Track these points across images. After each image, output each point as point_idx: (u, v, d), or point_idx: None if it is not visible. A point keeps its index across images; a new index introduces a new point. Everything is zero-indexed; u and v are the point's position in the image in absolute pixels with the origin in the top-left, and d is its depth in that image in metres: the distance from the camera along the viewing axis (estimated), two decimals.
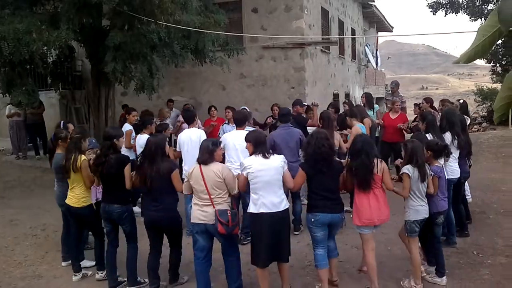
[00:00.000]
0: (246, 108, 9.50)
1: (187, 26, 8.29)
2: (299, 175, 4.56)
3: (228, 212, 4.38)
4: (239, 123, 6.27)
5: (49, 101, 13.69)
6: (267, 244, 4.33)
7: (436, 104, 8.96)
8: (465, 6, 21.38)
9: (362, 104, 9.55)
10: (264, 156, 4.39)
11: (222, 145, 5.90)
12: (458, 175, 5.74)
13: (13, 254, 6.14)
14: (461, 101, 8.11)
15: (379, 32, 25.77)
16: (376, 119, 9.21)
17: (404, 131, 8.68)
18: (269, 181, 4.34)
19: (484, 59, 22.07)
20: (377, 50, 24.33)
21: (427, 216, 4.70)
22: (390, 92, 10.97)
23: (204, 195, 4.41)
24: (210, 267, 4.65)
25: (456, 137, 5.70)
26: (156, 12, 7.55)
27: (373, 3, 20.71)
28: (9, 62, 8.11)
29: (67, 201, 5.15)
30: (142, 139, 6.97)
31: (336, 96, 15.78)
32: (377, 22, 24.07)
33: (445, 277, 4.90)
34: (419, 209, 4.65)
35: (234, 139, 6.05)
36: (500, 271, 5.15)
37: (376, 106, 10.27)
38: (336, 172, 4.54)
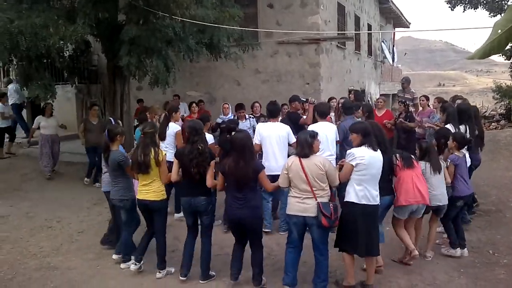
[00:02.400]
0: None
1: (202, 20, 8.28)
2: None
3: (330, 205, 4.44)
4: (273, 115, 6.39)
5: (65, 95, 13.83)
6: (363, 234, 4.45)
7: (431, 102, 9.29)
8: (484, 2, 21.02)
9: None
10: (374, 149, 4.49)
11: (259, 138, 6.15)
12: (469, 163, 5.93)
13: (28, 245, 6.22)
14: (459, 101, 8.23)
15: (395, 28, 25.49)
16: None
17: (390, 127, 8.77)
18: (375, 174, 4.48)
19: (503, 56, 21.67)
20: (393, 46, 24.09)
21: (440, 203, 5.25)
22: (401, 88, 10.81)
23: (305, 187, 4.41)
24: (299, 258, 4.72)
25: (469, 129, 6.21)
26: (172, 7, 7.55)
27: None
28: (27, 56, 8.20)
29: (142, 196, 5.07)
30: (171, 128, 7.05)
31: (351, 92, 15.65)
32: (394, 18, 23.80)
33: (458, 249, 5.47)
34: (430, 198, 5.12)
35: (271, 130, 6.17)
36: None
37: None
38: (388, 158, 4.85)
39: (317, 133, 4.72)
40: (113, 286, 5.03)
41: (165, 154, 5.09)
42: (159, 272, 5.13)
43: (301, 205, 4.45)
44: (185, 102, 11.55)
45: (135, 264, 5.21)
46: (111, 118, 6.65)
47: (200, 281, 4.98)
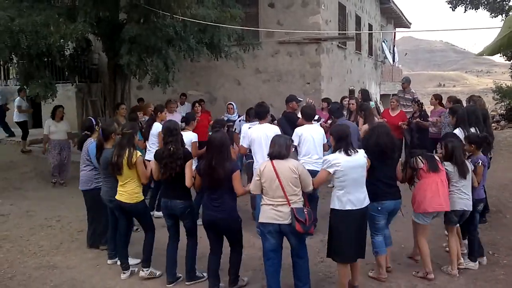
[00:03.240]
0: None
1: (203, 20, 8.28)
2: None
3: (304, 210, 4.24)
4: (261, 116, 6.26)
5: (65, 94, 13.81)
6: (352, 240, 4.37)
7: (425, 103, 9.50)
8: (485, 2, 21.00)
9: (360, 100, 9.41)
10: (347, 153, 4.33)
11: (248, 140, 6.12)
12: None
13: (28, 244, 6.22)
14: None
15: (396, 28, 25.48)
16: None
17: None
18: (357, 178, 4.36)
19: (504, 56, 21.66)
20: (394, 46, 24.08)
21: (466, 208, 4.98)
22: (401, 88, 10.83)
23: (278, 193, 4.23)
24: (280, 268, 4.50)
25: (478, 132, 5.79)
26: (173, 6, 7.55)
27: None
28: (27, 55, 8.21)
29: (118, 197, 5.04)
30: (154, 127, 7.06)
31: (352, 92, 15.66)
32: (394, 18, 23.80)
33: (477, 262, 5.19)
34: (457, 201, 4.93)
35: (261, 132, 6.07)
36: None
37: (371, 103, 10.08)
38: (395, 161, 4.87)
39: (291, 138, 4.70)
40: (113, 285, 5.02)
41: (140, 155, 4.98)
42: (143, 270, 5.09)
43: (276, 212, 4.24)
44: (188, 101, 11.55)
45: (142, 271, 5.18)
46: (90, 118, 6.61)
47: (186, 283, 4.92)
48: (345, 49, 14.96)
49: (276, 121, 7.94)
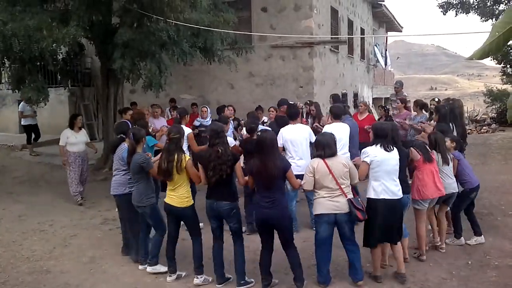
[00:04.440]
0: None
1: (196, 24, 8.30)
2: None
3: (358, 199, 4.72)
4: (293, 117, 6.64)
5: (58, 98, 13.80)
6: (381, 227, 4.72)
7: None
8: (476, 6, 21.13)
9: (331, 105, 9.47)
10: (385, 149, 4.74)
11: (282, 140, 6.34)
12: None
13: (21, 249, 6.18)
14: (436, 99, 8.85)
15: (388, 32, 25.65)
16: None
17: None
18: (390, 170, 4.74)
19: (495, 60, 21.86)
20: (386, 50, 24.23)
21: (454, 191, 5.65)
22: (394, 92, 10.94)
23: (334, 186, 4.59)
24: (331, 256, 4.84)
25: (455, 127, 6.87)
26: (166, 10, 7.56)
27: (382, 2, 20.62)
28: (20, 59, 8.17)
29: (168, 201, 5.00)
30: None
31: (344, 95, 15.74)
32: (386, 22, 23.96)
33: (462, 238, 5.95)
34: (446, 186, 5.50)
35: (294, 132, 6.41)
36: (507, 273, 5.12)
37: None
38: (403, 158, 5.01)
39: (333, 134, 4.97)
40: None
41: (189, 159, 4.97)
42: (197, 278, 5.01)
43: (332, 203, 4.61)
44: (181, 105, 11.55)
45: (170, 276, 5.14)
46: (126, 121, 6.50)
47: (237, 287, 4.86)
48: (338, 53, 15.04)
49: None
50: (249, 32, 11.79)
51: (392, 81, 25.66)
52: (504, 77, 24.28)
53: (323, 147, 4.69)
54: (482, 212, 7.00)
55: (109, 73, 9.68)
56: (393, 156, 4.77)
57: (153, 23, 8.29)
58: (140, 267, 5.42)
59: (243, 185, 5.00)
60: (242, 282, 4.85)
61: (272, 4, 12.44)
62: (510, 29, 1.41)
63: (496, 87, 26.54)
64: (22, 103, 11.51)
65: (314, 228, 6.31)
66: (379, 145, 4.78)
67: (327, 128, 6.51)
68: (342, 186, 4.61)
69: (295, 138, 6.40)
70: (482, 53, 1.50)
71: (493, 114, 23.36)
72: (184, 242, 5.52)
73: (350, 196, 4.65)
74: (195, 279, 5.01)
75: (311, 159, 5.10)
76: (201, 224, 5.43)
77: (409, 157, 5.27)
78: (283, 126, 7.09)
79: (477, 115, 25.37)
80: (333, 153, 4.67)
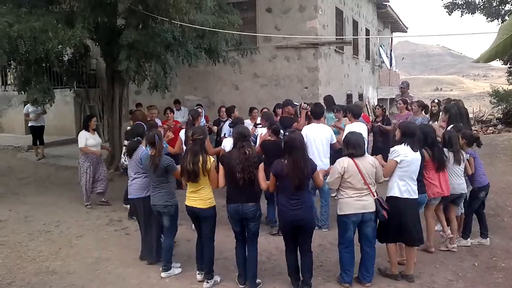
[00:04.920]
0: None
1: (201, 25, 8.31)
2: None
3: (383, 198, 4.77)
4: (317, 116, 6.73)
5: (63, 99, 13.86)
6: (401, 226, 4.78)
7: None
8: (482, 7, 21.08)
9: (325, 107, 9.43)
10: (413, 149, 4.80)
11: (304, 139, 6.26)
12: None
13: (27, 250, 6.20)
14: (436, 100, 8.92)
15: (393, 33, 25.59)
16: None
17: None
18: (415, 171, 4.84)
19: (500, 60, 21.77)
20: (391, 50, 24.18)
21: (463, 192, 5.72)
22: (400, 92, 10.94)
23: (362, 185, 4.63)
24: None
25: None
26: (171, 12, 7.57)
27: (387, 3, 20.58)
28: (25, 60, 8.20)
29: (190, 203, 4.94)
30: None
31: (349, 96, 15.71)
32: (391, 23, 23.91)
33: (469, 239, 5.95)
34: (455, 186, 5.59)
35: (317, 132, 6.50)
36: None
37: (330, 114, 10.03)
38: (421, 159, 5.04)
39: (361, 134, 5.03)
40: None
41: (214, 161, 4.92)
42: (207, 282, 4.97)
43: (360, 202, 4.63)
44: (186, 106, 11.59)
45: (201, 274, 5.09)
46: (142, 123, 6.31)
47: None
48: (343, 53, 15.02)
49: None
50: (254, 33, 11.79)
51: (397, 82, 25.61)
52: (510, 77, 24.16)
53: (354, 147, 4.70)
54: (488, 213, 6.95)
55: (115, 75, 9.70)
56: (419, 157, 4.88)
57: (158, 24, 8.31)
58: (163, 274, 5.24)
59: (265, 190, 4.91)
60: (255, 285, 4.83)
61: (277, 5, 12.44)
62: None
63: (502, 88, 26.39)
64: (28, 104, 11.53)
65: (324, 229, 6.47)
66: (407, 144, 4.81)
67: (348, 128, 6.57)
68: (370, 186, 4.65)
69: (317, 137, 6.49)
70: (489, 56, 1.49)
71: (499, 115, 23.21)
72: (190, 243, 5.51)
73: (376, 195, 4.70)
74: (205, 283, 4.97)
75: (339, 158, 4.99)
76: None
77: (424, 158, 5.24)
78: (287, 127, 7.13)
79: (483, 116, 25.22)
80: (362, 152, 4.72)
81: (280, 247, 5.75)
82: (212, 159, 4.91)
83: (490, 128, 19.89)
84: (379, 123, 9.04)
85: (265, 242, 6.00)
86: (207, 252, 5.01)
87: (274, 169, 4.66)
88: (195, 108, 10.34)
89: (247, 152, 4.68)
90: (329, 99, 9.31)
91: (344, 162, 4.68)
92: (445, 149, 5.58)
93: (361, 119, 7.44)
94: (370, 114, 10.99)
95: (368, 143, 7.43)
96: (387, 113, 9.67)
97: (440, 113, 7.96)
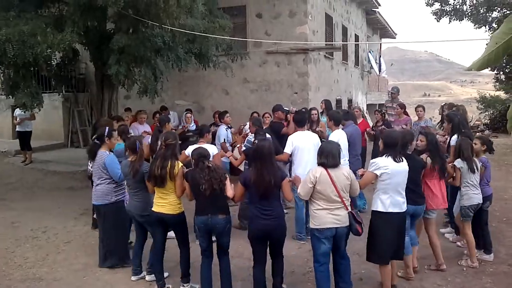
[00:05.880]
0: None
1: (192, 30, 8.30)
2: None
3: (358, 212, 4.58)
4: (300, 124, 6.56)
5: (52, 104, 13.75)
6: (391, 242, 4.58)
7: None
8: (469, 14, 21.36)
9: (321, 110, 9.49)
10: (394, 160, 4.58)
11: (292, 147, 6.31)
12: None
13: (13, 256, 6.12)
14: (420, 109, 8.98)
15: (382, 39, 25.78)
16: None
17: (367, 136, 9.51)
18: (400, 183, 4.61)
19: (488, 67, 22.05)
20: (380, 56, 24.35)
21: (480, 202, 5.46)
22: (390, 98, 11.02)
23: (335, 198, 4.36)
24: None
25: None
26: (162, 16, 7.54)
27: (376, 9, 20.74)
28: (14, 64, 8.11)
29: (157, 209, 4.88)
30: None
31: (339, 102, 15.78)
32: (380, 29, 24.09)
33: (492, 254, 5.70)
34: (472, 196, 5.40)
35: (305, 140, 6.38)
36: (502, 280, 5.13)
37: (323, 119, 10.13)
38: (418, 167, 4.97)
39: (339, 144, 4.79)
40: None
41: (181, 166, 4.86)
42: (183, 286, 4.96)
43: (332, 216, 4.36)
44: (176, 111, 11.56)
45: (182, 286, 5.03)
46: (106, 127, 6.15)
47: None
48: (332, 59, 15.09)
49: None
50: (244, 38, 11.80)
51: (386, 88, 25.80)
52: (497, 83, 24.47)
53: (326, 156, 4.42)
54: None
55: (104, 79, 9.64)
56: (403, 168, 4.61)
57: (149, 28, 8.28)
58: (133, 277, 5.30)
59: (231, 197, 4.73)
60: None
61: (267, 11, 12.47)
62: (509, 40, 1.41)
63: (489, 94, 26.73)
64: (17, 108, 11.40)
65: (303, 242, 6.27)
66: (388, 155, 4.59)
67: (331, 136, 6.59)
68: (344, 199, 4.38)
69: (305, 145, 6.34)
70: (481, 64, 1.50)
71: (486, 121, 23.48)
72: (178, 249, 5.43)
73: (350, 208, 4.46)
74: (181, 287, 4.96)
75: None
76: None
77: (424, 166, 5.12)
78: (277, 132, 7.12)
79: (470, 121, 25.48)
80: (336, 163, 4.41)
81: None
82: (180, 164, 4.88)
83: (477, 133, 20.07)
84: (381, 127, 8.95)
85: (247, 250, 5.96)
86: (182, 257, 4.99)
87: (242, 177, 4.58)
88: (185, 112, 10.34)
89: (210, 165, 4.59)
90: (326, 104, 9.40)
91: (317, 172, 4.40)
92: (457, 160, 5.42)
93: (352, 126, 7.38)
94: (368, 119, 11.06)
95: (361, 149, 7.37)
96: (386, 117, 9.67)
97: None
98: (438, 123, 8.66)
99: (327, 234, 4.36)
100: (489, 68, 22.31)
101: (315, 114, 8.70)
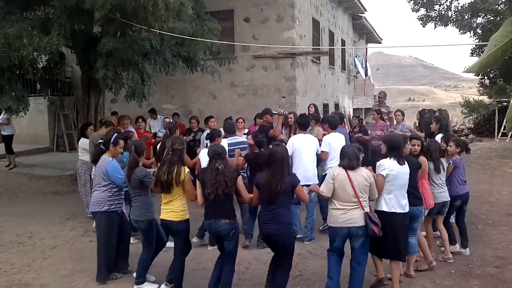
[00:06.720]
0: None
1: (180, 33, 8.28)
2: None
3: (375, 213, 4.63)
4: (303, 127, 6.79)
5: (37, 107, 13.58)
6: (389, 241, 4.67)
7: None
8: (454, 19, 21.67)
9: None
10: (398, 162, 4.72)
11: (292, 149, 6.40)
12: None
13: None
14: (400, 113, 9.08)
15: (368, 43, 26.02)
16: None
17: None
18: (404, 185, 4.78)
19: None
20: (366, 61, 24.56)
21: (446, 199, 5.71)
22: (377, 102, 11.14)
23: (351, 198, 4.50)
24: (341, 264, 4.77)
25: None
26: (150, 19, 7.51)
27: (363, 15, 20.94)
28: None
29: (163, 216, 4.84)
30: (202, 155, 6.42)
31: (326, 106, 15.86)
32: (366, 34, 24.32)
33: (467, 249, 6.00)
34: (437, 195, 5.58)
35: (304, 142, 6.56)
36: (489, 282, 5.18)
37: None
38: (414, 169, 4.99)
39: (361, 147, 4.93)
40: None
41: (188, 172, 4.80)
42: None
43: (345, 216, 4.51)
44: (162, 115, 11.50)
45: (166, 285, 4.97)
46: (116, 133, 5.86)
47: None
48: (319, 63, 15.17)
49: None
50: (231, 42, 11.81)
51: (372, 92, 26.02)
52: (482, 88, 24.83)
53: (343, 158, 4.64)
54: None
55: (91, 82, 9.56)
56: (406, 170, 4.79)
57: (136, 32, 8.25)
58: (135, 287, 5.12)
59: (247, 202, 4.88)
60: None
61: (254, 15, 12.51)
62: (507, 42, 1.43)
63: (473, 98, 27.12)
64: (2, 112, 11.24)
65: (306, 242, 6.44)
66: (392, 158, 4.75)
67: (325, 139, 6.75)
68: (361, 199, 4.50)
69: (304, 147, 6.54)
70: (480, 66, 1.52)
71: (470, 125, 23.81)
72: (167, 253, 5.39)
73: (367, 209, 4.55)
74: None
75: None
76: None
77: (419, 167, 5.23)
78: (266, 135, 7.20)
79: (454, 126, 25.81)
80: (351, 166, 4.55)
81: (259, 258, 5.75)
82: (187, 170, 4.81)
83: (462, 138, 20.32)
84: (358, 134, 9.11)
85: (244, 252, 5.96)
86: (177, 269, 4.90)
87: (256, 181, 4.65)
88: (172, 117, 10.31)
89: (220, 167, 4.56)
90: (316, 107, 9.56)
91: (336, 170, 4.64)
92: (423, 159, 5.58)
93: (341, 129, 7.52)
94: (346, 123, 11.24)
95: None
96: (364, 123, 9.82)
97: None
98: (416, 127, 8.76)
99: (339, 233, 4.57)
100: (473, 74, 22.66)
101: (291, 118, 8.60)
